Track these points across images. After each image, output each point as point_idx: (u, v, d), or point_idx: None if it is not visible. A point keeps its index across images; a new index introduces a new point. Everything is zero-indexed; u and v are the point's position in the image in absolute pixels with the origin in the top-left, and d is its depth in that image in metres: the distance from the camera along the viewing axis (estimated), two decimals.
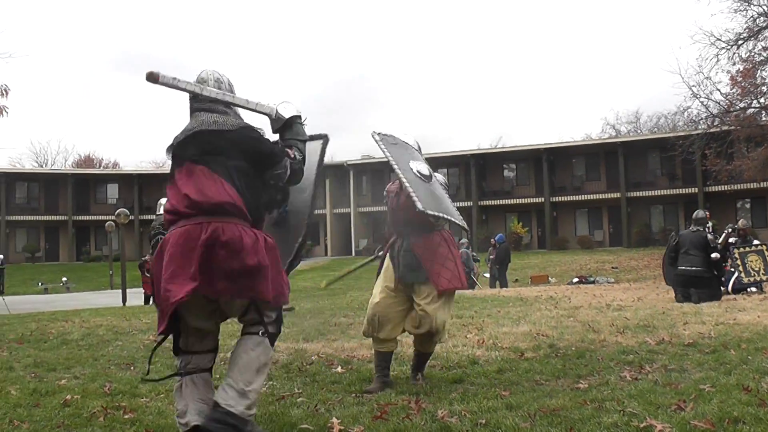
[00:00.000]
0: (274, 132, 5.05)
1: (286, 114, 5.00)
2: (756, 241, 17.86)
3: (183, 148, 4.58)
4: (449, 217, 6.31)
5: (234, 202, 4.38)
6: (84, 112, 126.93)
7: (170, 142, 4.70)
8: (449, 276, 6.36)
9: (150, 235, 11.41)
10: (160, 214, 14.08)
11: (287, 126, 5.00)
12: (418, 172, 6.37)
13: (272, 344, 4.58)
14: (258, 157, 4.61)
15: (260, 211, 4.69)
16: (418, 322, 6.36)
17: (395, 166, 6.20)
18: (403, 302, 6.53)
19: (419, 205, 5.92)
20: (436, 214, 6.13)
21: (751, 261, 16.75)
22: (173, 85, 4.45)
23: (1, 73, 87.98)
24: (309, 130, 5.12)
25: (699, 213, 15.56)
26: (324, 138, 5.35)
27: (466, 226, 6.59)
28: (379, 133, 6.55)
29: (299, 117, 5.06)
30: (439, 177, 6.91)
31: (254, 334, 4.48)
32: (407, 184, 6.08)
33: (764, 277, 16.54)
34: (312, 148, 5.18)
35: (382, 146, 6.45)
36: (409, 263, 6.42)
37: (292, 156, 4.78)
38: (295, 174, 4.81)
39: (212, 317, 4.62)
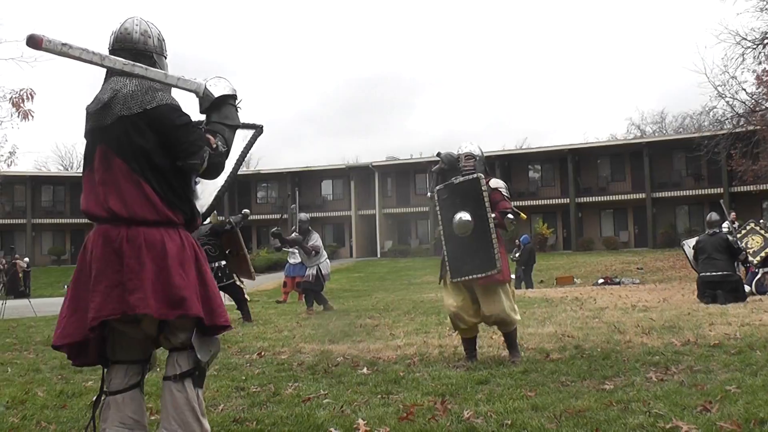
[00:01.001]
0: (201, 113, 4.29)
1: (216, 92, 4.24)
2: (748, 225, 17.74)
3: (97, 122, 4.03)
4: (473, 277, 7.45)
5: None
6: None
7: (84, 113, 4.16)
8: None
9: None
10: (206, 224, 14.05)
11: (215, 107, 4.23)
12: (459, 220, 7.44)
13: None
14: (173, 142, 3.98)
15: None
16: (484, 321, 7.72)
17: (442, 240, 7.72)
18: (467, 297, 7.69)
19: (449, 278, 7.65)
20: (463, 279, 7.50)
21: (752, 239, 16.72)
22: (63, 52, 3.68)
23: (27, 77, 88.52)
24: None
25: (712, 216, 15.36)
26: (258, 128, 4.51)
27: (495, 271, 7.32)
28: (436, 190, 7.81)
29: (233, 97, 4.31)
30: (500, 183, 7.90)
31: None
32: (445, 254, 7.68)
33: (749, 256, 16.44)
34: (240, 137, 4.41)
35: (437, 209, 7.77)
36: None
37: (213, 146, 4.05)
38: (214, 168, 4.09)
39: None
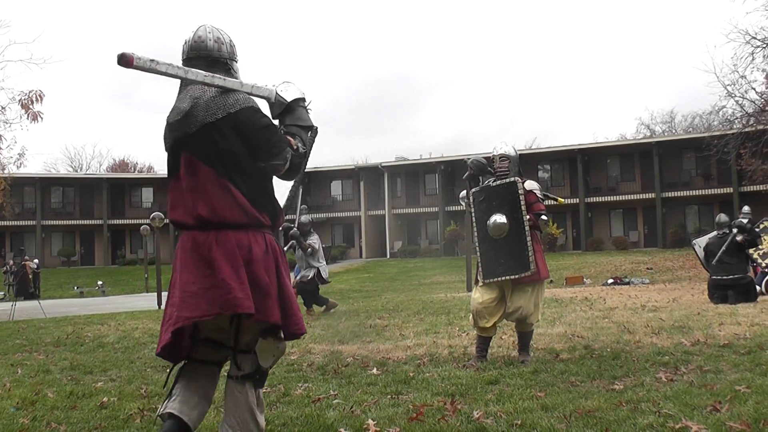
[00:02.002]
0: (274, 117, 4.37)
1: (288, 97, 4.36)
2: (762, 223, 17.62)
3: (181, 132, 4.11)
4: (506, 278, 7.58)
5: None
6: (119, 116, 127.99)
7: (165, 126, 4.25)
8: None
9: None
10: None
11: (289, 110, 4.35)
12: (494, 226, 7.61)
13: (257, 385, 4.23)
14: (257, 143, 4.07)
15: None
16: (508, 313, 7.76)
17: (476, 243, 7.90)
18: (496, 296, 7.77)
19: (481, 280, 7.73)
20: (495, 280, 7.63)
21: (764, 239, 16.67)
22: (152, 69, 3.86)
23: (36, 78, 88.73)
24: (325, 129, 4.68)
25: (722, 217, 15.26)
26: (315, 129, 4.47)
27: (529, 272, 7.50)
28: (471, 192, 7.96)
29: (302, 99, 4.43)
30: (534, 185, 7.91)
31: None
32: (479, 254, 7.82)
33: (758, 258, 16.40)
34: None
35: (471, 210, 7.98)
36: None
37: (295, 147, 4.17)
38: (295, 168, 4.21)
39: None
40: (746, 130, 33.65)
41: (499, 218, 7.54)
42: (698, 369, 6.60)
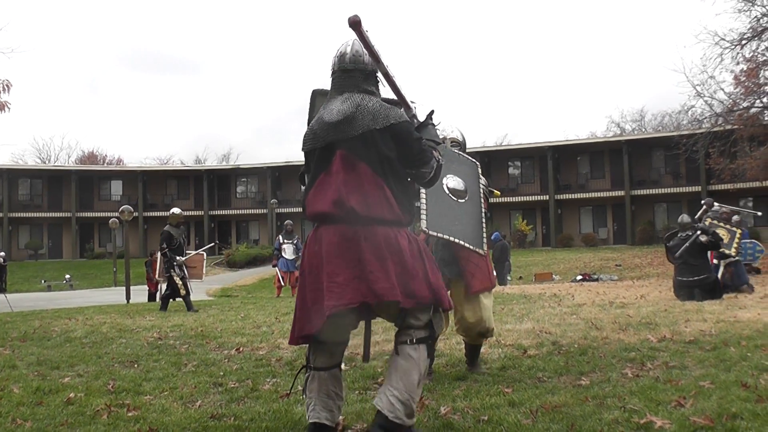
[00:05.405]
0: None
1: (421, 116, 4.81)
2: (737, 231, 17.75)
3: (342, 133, 4.40)
4: (458, 241, 6.17)
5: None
6: (88, 108, 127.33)
7: (318, 124, 4.53)
8: (481, 276, 6.56)
9: None
10: None
11: (422, 127, 4.71)
12: (448, 187, 6.30)
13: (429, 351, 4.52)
14: (411, 152, 4.46)
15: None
16: (465, 330, 6.70)
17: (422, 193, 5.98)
18: None
19: (423, 225, 5.93)
20: (441, 236, 6.06)
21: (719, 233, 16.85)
22: (371, 45, 4.32)
23: (3, 68, 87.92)
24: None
25: (684, 218, 15.25)
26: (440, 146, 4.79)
27: (482, 251, 6.45)
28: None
29: (431, 117, 4.82)
30: (482, 180, 6.88)
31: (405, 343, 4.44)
32: (423, 202, 5.94)
33: (724, 249, 16.55)
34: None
35: None
36: (443, 257, 6.55)
37: (437, 158, 4.58)
38: (436, 176, 4.62)
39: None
40: (715, 129, 34.07)
41: (458, 178, 6.43)
42: (664, 365, 6.65)
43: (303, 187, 4.72)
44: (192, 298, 16.40)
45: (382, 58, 4.42)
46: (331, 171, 4.38)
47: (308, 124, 4.85)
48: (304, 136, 4.62)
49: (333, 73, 4.63)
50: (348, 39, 4.59)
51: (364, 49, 4.52)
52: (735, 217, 19.10)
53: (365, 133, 4.33)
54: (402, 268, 4.26)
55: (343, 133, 4.36)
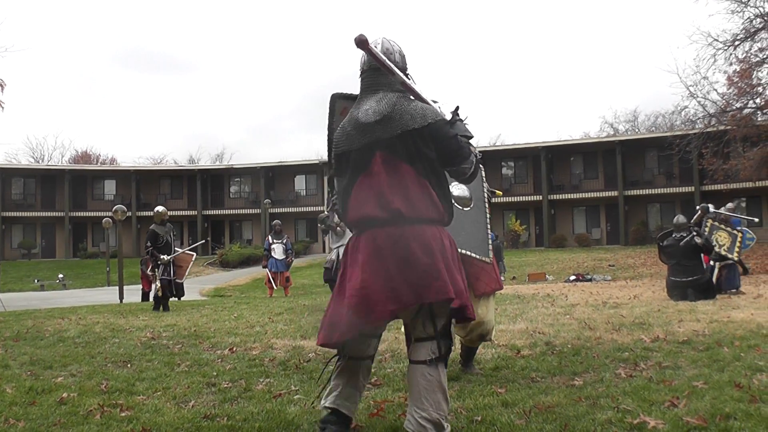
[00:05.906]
0: None
1: (446, 114, 4.63)
2: (736, 233, 17.75)
3: (379, 133, 4.34)
4: (464, 252, 6.13)
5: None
6: (82, 107, 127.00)
7: (350, 124, 4.48)
8: (486, 279, 6.53)
9: None
10: None
11: (452, 124, 4.57)
12: (454, 196, 5.75)
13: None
14: (449, 150, 4.40)
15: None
16: (467, 331, 6.61)
17: None
18: None
19: None
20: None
21: (719, 236, 16.84)
22: (383, 60, 4.31)
23: None
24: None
25: (679, 218, 15.29)
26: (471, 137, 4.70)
27: (488, 259, 6.45)
28: None
29: (457, 113, 4.69)
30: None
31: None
32: None
33: (727, 254, 16.57)
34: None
35: None
36: None
37: (475, 153, 4.55)
38: (475, 171, 4.56)
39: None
40: (708, 130, 34.16)
41: (464, 188, 6.42)
42: (657, 365, 6.67)
43: (334, 192, 4.70)
44: (185, 297, 16.38)
45: (395, 69, 4.38)
46: (372, 173, 4.33)
47: (329, 129, 4.84)
48: (336, 138, 4.55)
49: (362, 73, 4.58)
50: (375, 38, 4.53)
51: (394, 46, 4.57)
52: (729, 204, 19.17)
53: (404, 133, 4.28)
54: (448, 268, 4.23)
55: (382, 133, 4.31)
